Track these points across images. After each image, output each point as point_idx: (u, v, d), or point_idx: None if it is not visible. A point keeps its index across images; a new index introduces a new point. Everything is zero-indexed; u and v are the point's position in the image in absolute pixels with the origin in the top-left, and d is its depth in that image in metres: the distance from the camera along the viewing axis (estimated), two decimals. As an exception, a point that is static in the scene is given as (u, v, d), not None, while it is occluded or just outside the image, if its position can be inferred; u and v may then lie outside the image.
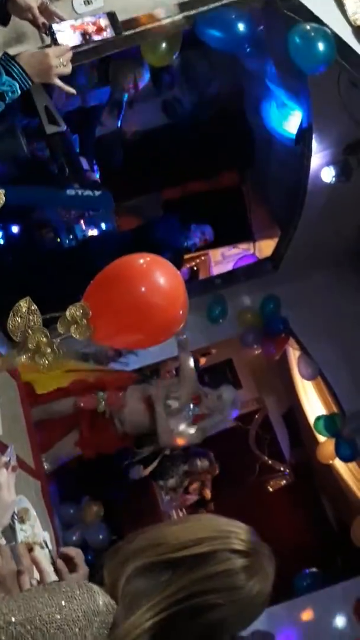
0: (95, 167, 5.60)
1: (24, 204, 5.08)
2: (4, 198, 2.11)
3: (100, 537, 5.62)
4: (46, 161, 5.10)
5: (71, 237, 5.61)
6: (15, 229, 5.53)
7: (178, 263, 5.55)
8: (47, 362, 1.92)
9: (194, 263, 7.35)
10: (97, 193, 4.85)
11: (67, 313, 1.94)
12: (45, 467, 4.38)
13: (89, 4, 3.18)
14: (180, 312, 2.05)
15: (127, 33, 3.03)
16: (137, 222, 6.40)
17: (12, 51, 3.02)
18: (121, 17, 3.13)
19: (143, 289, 1.96)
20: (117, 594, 1.19)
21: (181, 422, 4.98)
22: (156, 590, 1.19)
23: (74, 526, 5.74)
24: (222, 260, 7.50)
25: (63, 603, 1.08)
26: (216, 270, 7.37)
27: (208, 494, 7.28)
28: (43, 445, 4.53)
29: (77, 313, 1.94)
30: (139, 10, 3.19)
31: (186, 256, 6.50)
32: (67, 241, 5.66)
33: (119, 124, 5.84)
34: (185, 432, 5.02)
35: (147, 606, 1.17)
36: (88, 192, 4.81)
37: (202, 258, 7.44)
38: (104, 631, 1.12)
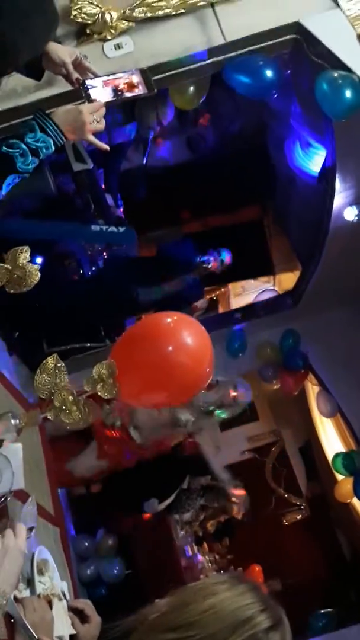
0: (120, 202, 5.64)
1: (48, 239, 5.12)
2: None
3: (115, 571, 5.57)
4: (72, 195, 5.15)
5: (94, 269, 5.64)
6: (39, 259, 5.57)
7: (199, 291, 5.53)
8: (72, 420, 1.92)
9: (213, 294, 7.36)
10: (121, 229, 4.86)
11: (94, 371, 1.94)
12: None
13: (119, 48, 3.22)
14: (207, 370, 2.05)
15: (155, 77, 3.04)
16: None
17: (43, 94, 3.09)
18: (150, 62, 3.18)
19: (170, 348, 1.97)
20: None
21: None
22: None
23: (89, 559, 5.68)
24: (242, 292, 7.50)
25: None
26: (236, 302, 7.37)
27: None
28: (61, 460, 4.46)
29: (104, 371, 1.94)
30: (168, 55, 3.22)
31: (206, 288, 6.49)
32: (90, 273, 5.69)
33: (144, 161, 5.88)
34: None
35: None
36: (112, 228, 4.83)
37: (222, 289, 7.46)
38: None
